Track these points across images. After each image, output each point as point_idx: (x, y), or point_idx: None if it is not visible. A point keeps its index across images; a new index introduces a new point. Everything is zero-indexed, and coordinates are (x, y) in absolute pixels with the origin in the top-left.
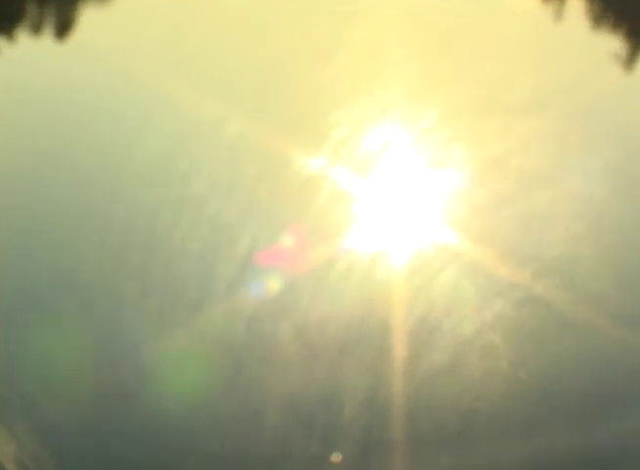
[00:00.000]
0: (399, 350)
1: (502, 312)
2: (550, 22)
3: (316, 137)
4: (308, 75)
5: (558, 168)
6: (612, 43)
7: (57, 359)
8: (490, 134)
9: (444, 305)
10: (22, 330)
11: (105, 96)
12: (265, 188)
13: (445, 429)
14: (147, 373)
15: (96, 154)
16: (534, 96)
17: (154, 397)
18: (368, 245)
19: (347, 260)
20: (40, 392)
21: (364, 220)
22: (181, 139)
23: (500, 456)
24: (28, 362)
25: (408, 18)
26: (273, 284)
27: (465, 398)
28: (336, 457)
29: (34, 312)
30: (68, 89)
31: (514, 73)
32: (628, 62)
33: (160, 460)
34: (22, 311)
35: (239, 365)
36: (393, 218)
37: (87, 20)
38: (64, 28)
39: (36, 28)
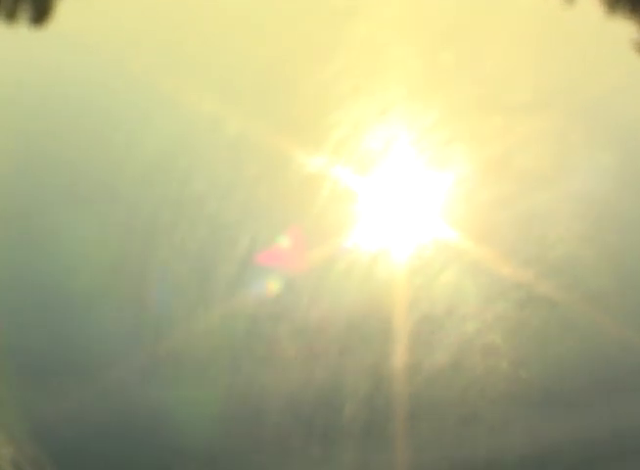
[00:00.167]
0: (400, 349)
1: (503, 312)
2: (552, 19)
3: (316, 137)
4: (308, 75)
5: (560, 168)
6: (612, 43)
7: (57, 359)
8: (492, 133)
9: (445, 304)
10: (22, 330)
11: (104, 96)
12: (265, 188)
13: (446, 428)
14: (147, 373)
15: (96, 154)
16: (536, 95)
17: (153, 397)
18: (368, 244)
19: (347, 260)
20: (38, 393)
21: (364, 220)
22: (181, 138)
23: (501, 455)
24: (28, 362)
25: (408, 17)
26: (273, 284)
27: (466, 397)
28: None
29: (34, 312)
30: (61, 84)
31: (515, 72)
32: (629, 61)
33: (159, 461)
34: (21, 311)
35: (239, 365)
36: (394, 218)
37: (87, 20)
38: (41, 16)
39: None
